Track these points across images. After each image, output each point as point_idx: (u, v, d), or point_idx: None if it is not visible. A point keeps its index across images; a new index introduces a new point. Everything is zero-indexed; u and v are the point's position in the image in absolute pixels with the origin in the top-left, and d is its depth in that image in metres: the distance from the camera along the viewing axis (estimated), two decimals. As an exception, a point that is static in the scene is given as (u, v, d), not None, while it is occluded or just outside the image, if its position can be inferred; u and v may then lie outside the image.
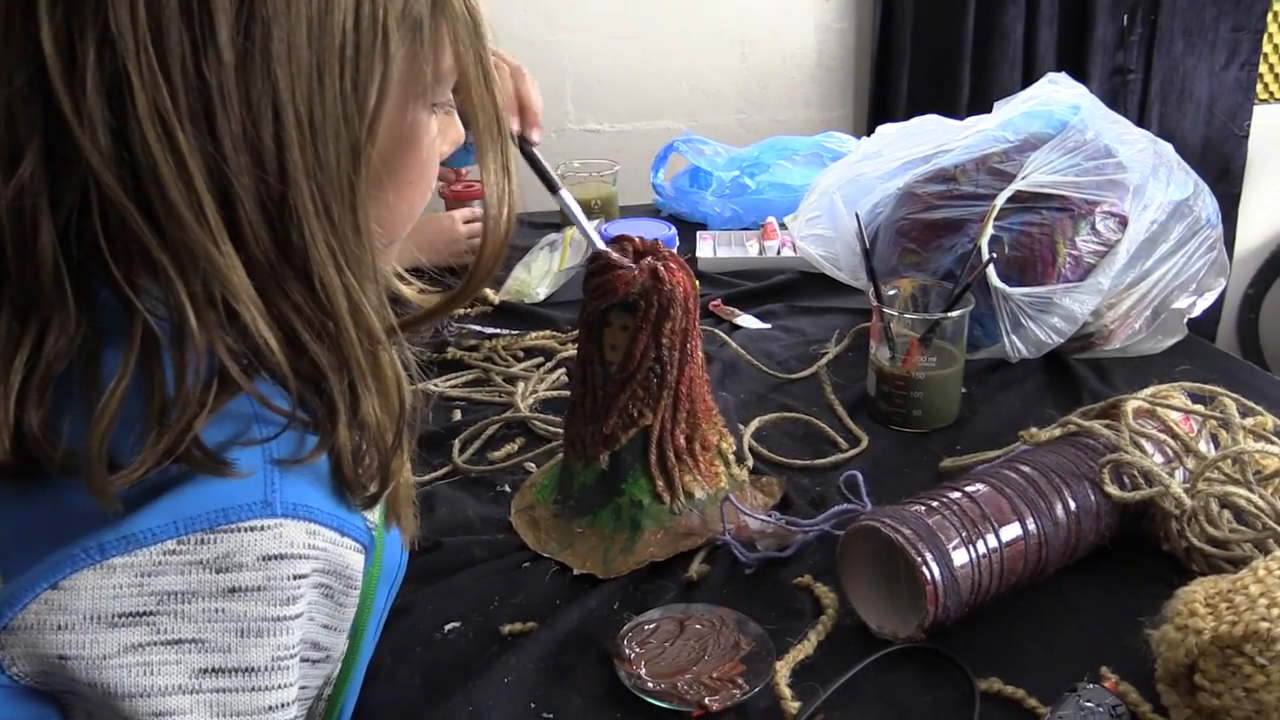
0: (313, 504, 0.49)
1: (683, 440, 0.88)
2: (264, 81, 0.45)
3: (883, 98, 2.30)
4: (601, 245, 0.87)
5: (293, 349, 0.48)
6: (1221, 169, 2.46)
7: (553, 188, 0.93)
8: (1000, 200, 1.11)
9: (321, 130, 0.47)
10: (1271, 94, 2.61)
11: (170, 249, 0.45)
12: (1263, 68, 2.49)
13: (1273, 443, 0.84)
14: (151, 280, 0.46)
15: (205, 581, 0.46)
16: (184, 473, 0.47)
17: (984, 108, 1.30)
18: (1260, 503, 0.78)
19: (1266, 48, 2.49)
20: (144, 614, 0.45)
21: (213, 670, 0.46)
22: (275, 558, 0.47)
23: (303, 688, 0.52)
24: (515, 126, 0.91)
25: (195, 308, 0.46)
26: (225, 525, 0.46)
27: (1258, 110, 2.46)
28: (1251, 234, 2.62)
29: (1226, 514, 0.81)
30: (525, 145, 0.92)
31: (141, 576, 0.45)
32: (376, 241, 0.52)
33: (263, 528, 0.47)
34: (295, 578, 0.48)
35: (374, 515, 0.56)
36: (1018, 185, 1.11)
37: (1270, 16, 2.42)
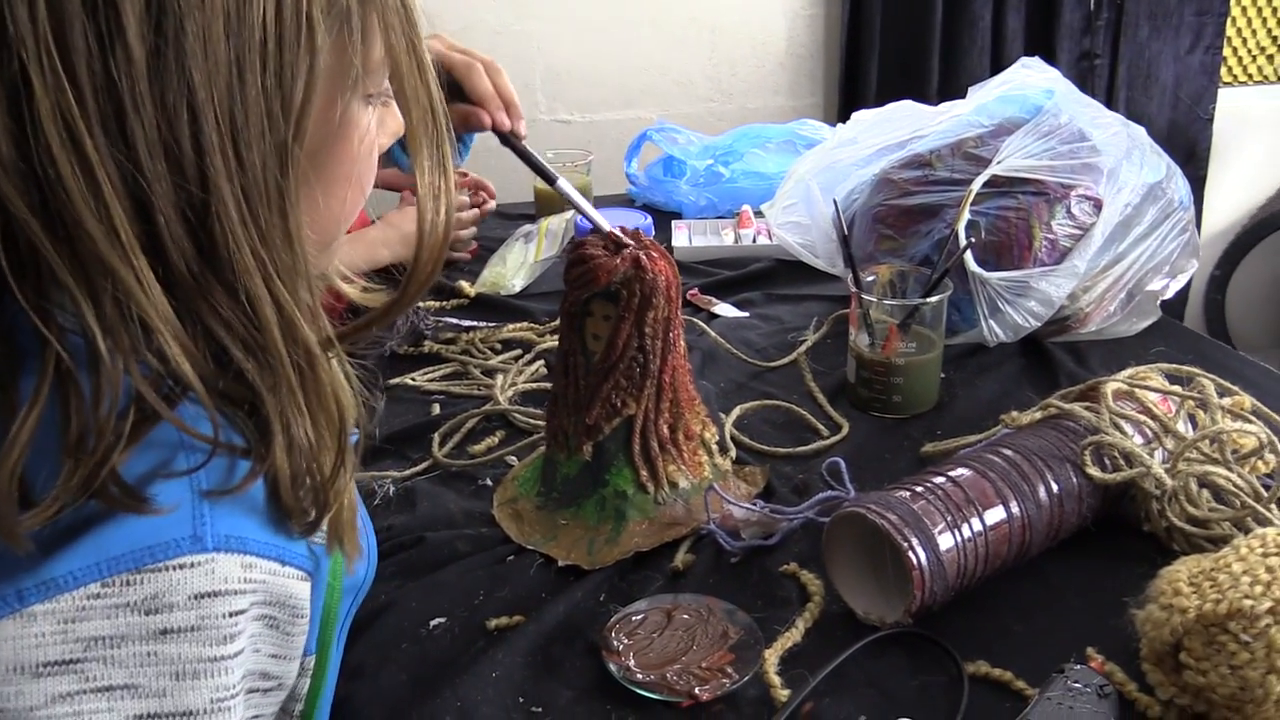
0: (247, 535, 0.47)
1: (666, 430, 0.88)
2: (179, 80, 0.42)
3: (853, 84, 2.31)
4: (608, 227, 0.86)
5: (222, 368, 0.45)
6: (1187, 152, 2.48)
7: (549, 179, 0.92)
8: (976, 185, 1.12)
9: (244, 131, 0.44)
10: (1235, 77, 2.64)
11: (78, 266, 0.42)
12: (1226, 51, 2.52)
13: (1250, 422, 0.85)
14: (65, 299, 0.43)
15: (134, 625, 0.43)
16: (104, 509, 0.44)
17: (953, 94, 1.31)
18: (1239, 481, 0.79)
19: (1230, 31, 2.51)
20: (70, 662, 0.43)
21: (149, 716, 0.44)
22: (208, 595, 0.45)
23: (256, 717, 0.51)
24: (506, 123, 0.89)
25: (105, 329, 0.42)
26: (152, 564, 0.44)
27: (1222, 93, 2.49)
28: (1217, 216, 2.66)
29: (1206, 493, 0.81)
30: (515, 140, 0.90)
31: (65, 623, 0.43)
32: (310, 247, 0.48)
33: (193, 564, 0.44)
34: (232, 615, 0.45)
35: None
36: (993, 170, 1.12)
37: (1233, 0, 2.45)
